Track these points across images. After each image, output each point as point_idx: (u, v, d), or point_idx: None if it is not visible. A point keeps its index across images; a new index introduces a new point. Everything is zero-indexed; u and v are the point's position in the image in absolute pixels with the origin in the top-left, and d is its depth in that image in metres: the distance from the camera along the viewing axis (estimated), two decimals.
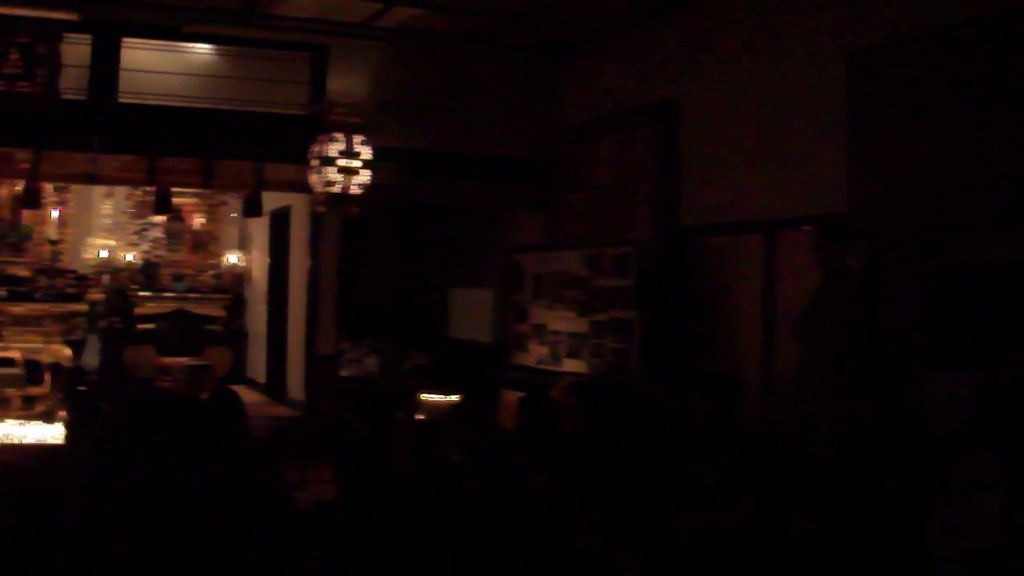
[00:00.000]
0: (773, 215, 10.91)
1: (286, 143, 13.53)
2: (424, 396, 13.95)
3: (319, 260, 14.55)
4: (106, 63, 13.38)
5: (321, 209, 13.72)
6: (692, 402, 9.14)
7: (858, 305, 9.13)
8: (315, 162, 13.06)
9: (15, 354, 15.77)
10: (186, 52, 13.97)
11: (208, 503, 6.10)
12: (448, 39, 14.37)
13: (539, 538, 6.12)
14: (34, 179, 13.74)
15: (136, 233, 19.45)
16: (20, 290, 16.61)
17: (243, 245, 20.36)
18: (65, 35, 13.04)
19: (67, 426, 8.89)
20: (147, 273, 19.47)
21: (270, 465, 7.89)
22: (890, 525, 6.09)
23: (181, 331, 18.84)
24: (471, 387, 10.43)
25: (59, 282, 17.18)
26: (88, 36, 13.29)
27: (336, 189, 13.01)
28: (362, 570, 5.79)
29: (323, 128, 13.16)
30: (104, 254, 18.94)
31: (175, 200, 15.47)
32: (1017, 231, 8.33)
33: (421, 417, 13.07)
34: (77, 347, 17.34)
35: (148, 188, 16.18)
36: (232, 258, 20.05)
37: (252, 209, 14.76)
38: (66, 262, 18.40)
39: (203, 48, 14.06)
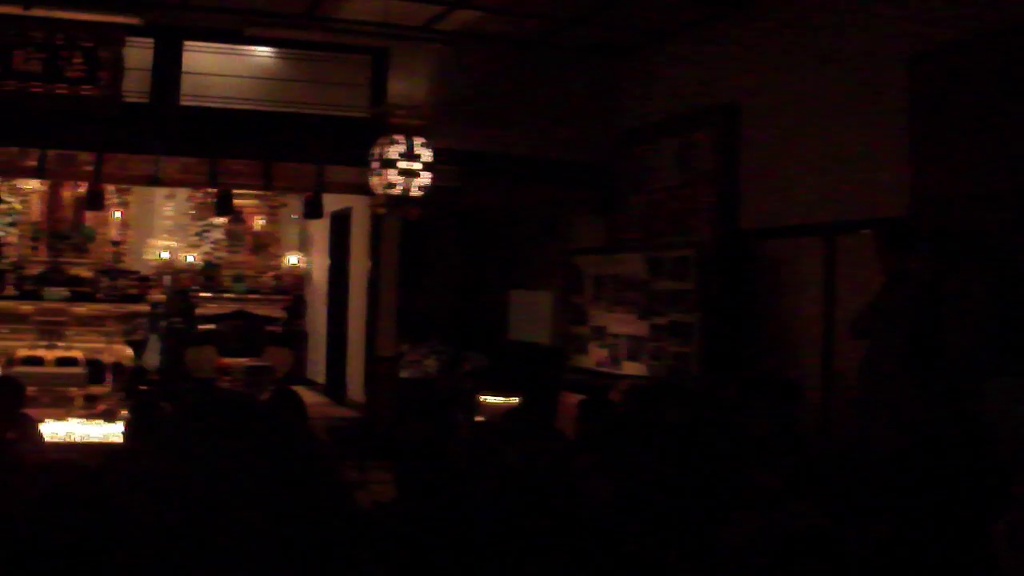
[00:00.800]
0: (833, 218, 10.86)
1: (347, 145, 13.57)
2: (483, 398, 13.97)
3: (379, 262, 14.57)
4: (168, 66, 13.48)
5: (381, 211, 13.75)
6: (751, 405, 9.10)
7: (920, 309, 9.07)
8: (376, 164, 13.09)
9: (78, 354, 15.89)
10: (247, 55, 14.06)
11: (270, 504, 6.12)
12: (507, 42, 14.38)
13: (597, 542, 6.12)
14: (97, 181, 13.84)
15: (197, 234, 19.55)
16: (83, 290, 16.74)
17: (303, 246, 20.42)
18: (128, 39, 13.15)
19: (128, 425, 8.96)
20: (208, 274, 19.58)
21: (331, 465, 7.92)
22: (952, 532, 6.06)
23: (241, 332, 18.90)
24: (531, 389, 10.45)
25: (121, 283, 17.30)
26: (151, 40, 13.39)
27: (396, 191, 13.04)
28: (421, 572, 5.80)
29: (384, 130, 13.19)
30: (165, 255, 19.06)
31: (236, 201, 15.54)
32: None
33: (480, 419, 13.09)
34: (138, 347, 17.45)
35: (209, 190, 16.26)
36: (292, 259, 20.11)
37: (313, 211, 14.81)
38: (128, 263, 18.52)
39: (264, 51, 14.15)
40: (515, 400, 10.77)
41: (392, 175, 12.93)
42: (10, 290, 16.33)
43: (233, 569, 5.36)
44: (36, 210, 18.18)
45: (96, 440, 13.04)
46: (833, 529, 5.70)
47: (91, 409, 14.95)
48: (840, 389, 10.39)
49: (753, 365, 11.67)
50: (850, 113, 10.78)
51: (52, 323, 16.15)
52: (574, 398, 9.89)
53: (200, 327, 18.88)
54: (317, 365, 19.38)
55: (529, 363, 15.40)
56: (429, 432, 8.58)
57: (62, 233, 18.13)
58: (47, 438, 10.04)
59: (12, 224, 17.74)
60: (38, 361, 15.59)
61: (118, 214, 18.33)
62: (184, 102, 13.51)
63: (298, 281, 20.31)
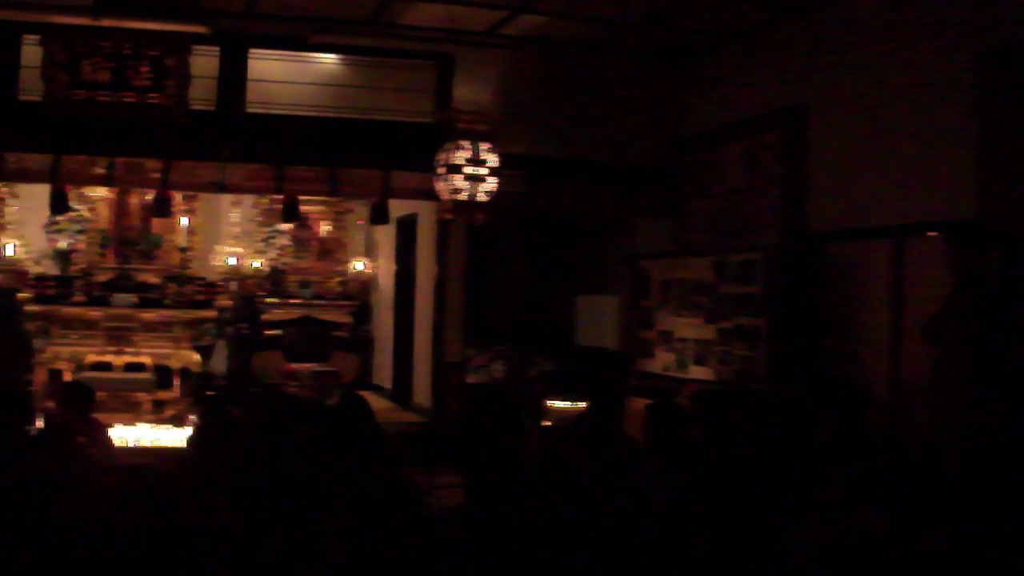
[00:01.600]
0: (901, 220, 10.78)
1: (412, 151, 13.62)
2: (551, 403, 13.95)
3: (446, 267, 14.59)
4: (234, 74, 13.57)
5: (448, 216, 13.79)
6: (819, 410, 9.04)
7: (992, 311, 8.99)
8: (442, 170, 13.14)
9: (146, 359, 15.98)
10: (313, 62, 14.11)
11: (342, 507, 6.14)
12: (572, 46, 14.38)
13: (665, 547, 6.10)
14: (164, 188, 13.94)
15: (263, 240, 19.58)
16: (150, 297, 16.83)
17: (369, 252, 20.44)
18: (194, 47, 13.25)
19: (195, 430, 9.01)
20: (274, 280, 19.62)
21: (399, 469, 7.93)
22: (1021, 539, 6.00)
23: (308, 337, 18.93)
24: (597, 394, 10.41)
25: (188, 289, 17.41)
26: (216, 48, 13.48)
27: (463, 196, 13.07)
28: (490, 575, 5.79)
29: (449, 136, 13.23)
30: (232, 261, 19.10)
31: (302, 208, 15.59)
32: None
33: (548, 424, 13.07)
34: (206, 353, 17.55)
35: (276, 196, 16.33)
36: (358, 265, 20.13)
37: (379, 217, 14.85)
38: (195, 269, 18.61)
39: (329, 58, 14.20)
40: (582, 405, 10.72)
41: (458, 180, 12.97)
42: (79, 297, 16.43)
43: (303, 571, 5.39)
44: (104, 217, 18.30)
45: (164, 445, 13.14)
46: (903, 536, 5.66)
47: (159, 414, 15.06)
48: (909, 394, 10.32)
49: (821, 369, 11.60)
50: (918, 113, 10.70)
51: (120, 329, 16.24)
52: (641, 403, 9.85)
53: (266, 333, 18.94)
54: (383, 370, 19.40)
55: (596, 368, 15.37)
56: (497, 437, 8.56)
57: (130, 240, 18.24)
58: (116, 443, 10.10)
59: (81, 231, 17.85)
60: (107, 367, 15.69)
61: (185, 221, 18.42)
62: (250, 109, 13.61)
63: (364, 287, 20.32)
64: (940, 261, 9.38)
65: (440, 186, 13.27)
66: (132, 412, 14.88)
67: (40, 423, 9.99)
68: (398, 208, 15.97)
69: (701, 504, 6.68)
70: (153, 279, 17.62)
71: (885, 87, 11.20)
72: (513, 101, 14.10)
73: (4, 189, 18.12)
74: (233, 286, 19.04)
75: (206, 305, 17.20)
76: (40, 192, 14.63)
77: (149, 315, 16.38)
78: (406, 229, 17.70)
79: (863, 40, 11.59)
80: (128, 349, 16.09)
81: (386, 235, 19.05)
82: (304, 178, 14.05)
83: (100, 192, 17.94)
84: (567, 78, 14.62)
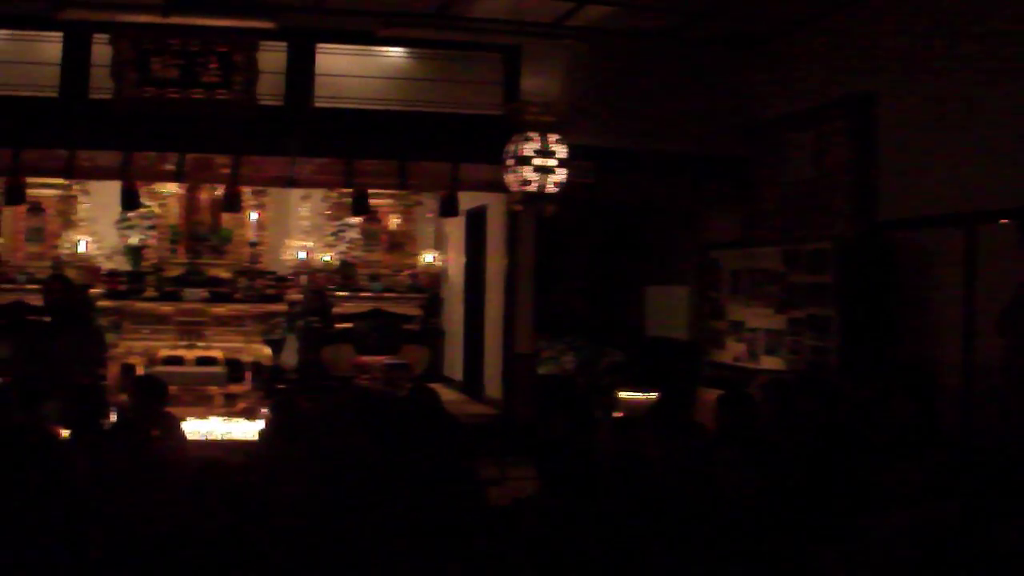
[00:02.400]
0: (974, 208, 10.67)
1: (481, 143, 13.63)
2: (622, 394, 13.94)
3: (516, 259, 14.60)
4: (302, 69, 13.63)
5: (517, 208, 13.80)
6: (892, 400, 8.98)
7: None
8: (511, 161, 13.13)
9: (217, 353, 16.11)
10: (380, 55, 14.15)
11: (413, 497, 6.16)
12: (638, 36, 14.32)
13: (738, 536, 6.08)
14: (234, 183, 14.03)
15: (333, 234, 19.60)
16: (221, 291, 16.94)
17: (439, 244, 20.43)
18: (262, 43, 13.32)
19: (267, 423, 9.06)
20: (344, 273, 19.64)
21: (468, 461, 7.95)
22: None
23: (378, 330, 18.96)
24: (669, 385, 10.39)
25: (258, 283, 17.48)
26: (284, 43, 13.55)
27: (532, 188, 13.07)
28: (563, 567, 5.80)
29: (518, 127, 13.22)
30: (302, 255, 19.14)
31: (371, 201, 15.61)
32: None
33: (619, 415, 13.05)
34: (276, 346, 17.64)
35: (345, 190, 16.37)
36: (428, 257, 20.12)
37: (448, 209, 14.89)
38: (265, 263, 18.67)
39: (397, 51, 14.23)
40: (653, 396, 10.70)
41: (527, 172, 12.97)
42: (151, 292, 16.58)
43: (374, 560, 5.42)
44: (174, 213, 18.40)
45: (236, 438, 13.22)
46: (975, 528, 5.61)
47: (231, 408, 15.16)
48: (982, 384, 10.23)
49: (892, 359, 11.52)
50: (989, 99, 10.59)
51: (192, 323, 16.38)
52: (712, 393, 9.82)
53: (337, 326, 18.99)
54: (454, 362, 19.41)
55: (667, 358, 15.33)
56: (568, 429, 8.56)
57: (200, 235, 18.32)
58: (189, 436, 10.17)
59: (152, 227, 17.96)
60: (179, 361, 15.82)
61: (255, 215, 18.48)
62: (318, 104, 13.67)
63: (434, 279, 20.30)
64: (1014, 249, 9.29)
65: (509, 178, 13.28)
66: (204, 406, 15.01)
67: (113, 417, 10.07)
68: (467, 200, 15.97)
69: (773, 494, 6.66)
70: (224, 274, 17.70)
71: (956, 72, 11.09)
72: (580, 92, 14.10)
73: (76, 186, 18.28)
74: (303, 280, 19.10)
75: (277, 299, 17.30)
76: (111, 189, 14.75)
77: (220, 309, 16.52)
78: (475, 221, 17.69)
79: (933, 25, 11.49)
80: (199, 343, 16.23)
81: (455, 227, 19.04)
82: (373, 171, 14.11)
83: (170, 188, 18.03)
84: (634, 68, 14.57)
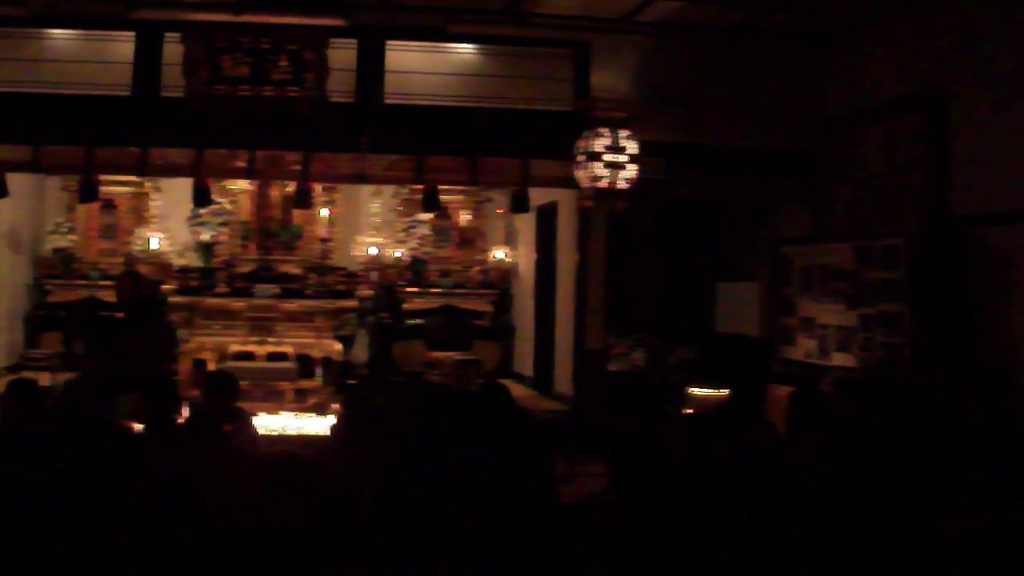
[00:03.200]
0: None
1: (551, 139, 13.63)
2: (692, 391, 13.90)
3: (586, 254, 14.57)
4: (372, 66, 13.69)
5: (588, 204, 13.81)
6: (964, 398, 8.91)
7: None
8: (581, 157, 13.14)
9: (288, 349, 16.20)
10: (450, 52, 14.18)
11: (488, 494, 6.17)
12: (709, 31, 14.27)
13: (810, 533, 6.06)
14: (305, 180, 14.09)
15: (403, 230, 19.68)
16: (292, 287, 17.04)
17: (509, 241, 20.45)
18: (332, 40, 13.38)
19: (339, 419, 9.10)
20: (415, 269, 19.71)
21: (543, 456, 7.95)
22: None
23: (449, 326, 19.01)
24: (739, 382, 10.37)
25: (329, 279, 17.57)
26: (354, 40, 13.61)
27: (603, 184, 13.08)
28: (633, 564, 5.79)
29: (588, 123, 13.23)
30: (373, 251, 19.21)
31: (441, 197, 15.63)
32: None
33: (689, 412, 13.02)
34: (347, 342, 17.72)
35: (415, 186, 16.43)
36: (499, 253, 20.15)
37: (519, 205, 14.89)
38: (336, 259, 18.78)
39: (466, 47, 14.26)
40: (724, 392, 10.69)
41: (598, 168, 12.98)
42: (222, 288, 16.70)
43: (448, 556, 5.43)
44: (246, 210, 18.54)
45: (307, 433, 13.29)
46: None
47: (301, 403, 15.23)
48: None
49: (966, 356, 11.42)
50: None
51: (263, 319, 16.48)
52: (783, 390, 9.78)
53: (407, 322, 19.06)
54: (524, 358, 19.42)
55: (737, 355, 15.27)
56: (639, 425, 8.54)
57: (271, 231, 18.44)
58: (260, 431, 10.24)
59: (223, 224, 18.12)
60: (249, 356, 15.93)
61: (325, 212, 18.58)
62: (389, 100, 13.73)
63: (504, 275, 20.33)
64: None
65: (580, 174, 13.28)
66: (275, 401, 15.09)
67: (186, 412, 10.14)
68: (538, 196, 15.97)
69: (845, 492, 6.63)
70: (295, 270, 17.81)
71: None
72: (651, 87, 14.08)
73: (148, 184, 18.46)
74: (374, 276, 19.16)
75: (347, 295, 17.36)
76: (183, 186, 14.88)
77: (291, 305, 16.61)
78: (546, 217, 17.69)
79: (1003, 15, 11.39)
80: (270, 339, 16.33)
81: (526, 223, 19.05)
82: (444, 167, 14.13)
83: (241, 185, 18.19)
84: (704, 63, 14.52)
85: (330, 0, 13.27)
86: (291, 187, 16.03)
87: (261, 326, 16.43)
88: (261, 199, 18.55)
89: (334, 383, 15.78)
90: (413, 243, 19.65)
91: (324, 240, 18.69)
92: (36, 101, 13.34)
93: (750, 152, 14.44)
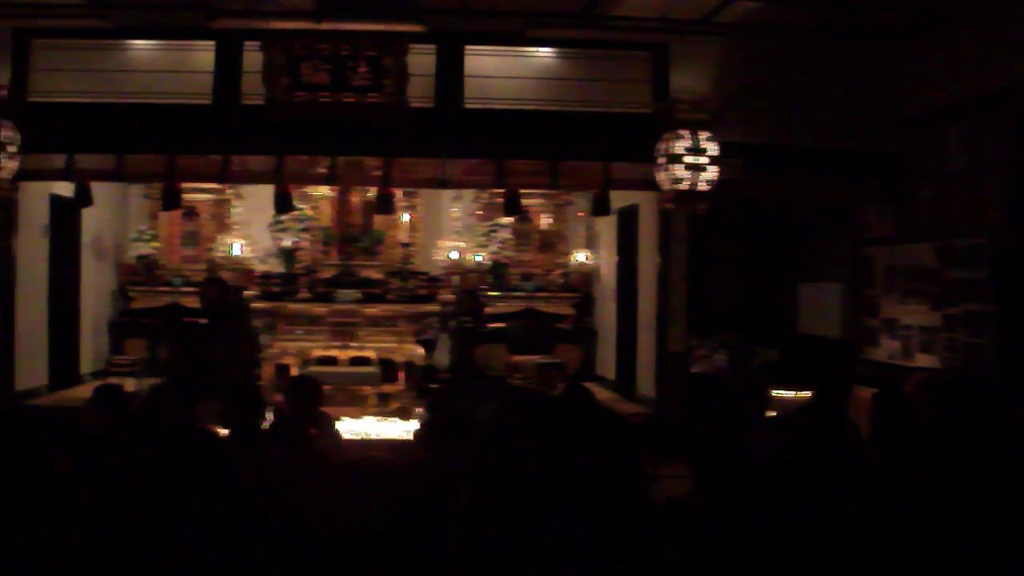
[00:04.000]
0: None
1: (631, 142, 13.63)
2: (775, 393, 13.84)
3: (668, 257, 14.51)
4: (451, 71, 13.74)
5: (669, 206, 13.78)
6: None
7: None
8: (662, 160, 13.14)
9: (370, 353, 16.23)
10: (529, 56, 14.19)
11: (580, 497, 6.17)
12: (787, 31, 14.20)
13: (893, 536, 6.02)
14: (386, 185, 14.14)
15: (485, 234, 19.70)
16: (374, 292, 17.07)
17: (591, 243, 20.43)
18: (411, 46, 13.43)
19: (423, 424, 9.12)
20: (496, 273, 19.73)
21: (633, 457, 7.93)
22: None
23: (531, 330, 19.01)
24: (823, 383, 10.30)
25: (411, 284, 17.60)
26: (433, 46, 13.67)
27: (684, 186, 13.08)
28: (716, 567, 5.77)
29: (668, 125, 13.22)
30: (454, 255, 19.27)
31: (522, 201, 15.64)
32: None
33: (773, 414, 12.97)
34: (429, 346, 17.75)
35: (496, 190, 16.44)
36: (580, 257, 20.14)
37: (600, 208, 14.87)
38: (417, 264, 18.83)
39: (545, 51, 14.27)
40: (807, 394, 10.62)
41: (679, 170, 12.98)
42: (304, 293, 16.77)
43: (541, 559, 5.42)
44: (327, 215, 18.64)
45: (391, 437, 13.34)
46: None
47: (384, 407, 15.28)
48: None
49: None
50: None
51: (345, 324, 16.53)
52: (867, 392, 9.72)
53: (489, 326, 19.08)
54: (606, 362, 19.39)
55: (820, 356, 15.19)
56: (722, 427, 8.51)
57: (353, 237, 18.52)
58: (344, 436, 10.28)
59: (305, 230, 18.23)
60: (332, 361, 15.97)
61: (406, 216, 18.66)
62: (468, 105, 13.77)
63: (586, 278, 20.32)
64: None
65: (661, 176, 13.28)
66: (358, 405, 15.15)
67: (270, 417, 10.21)
68: (618, 199, 15.93)
69: (929, 495, 6.58)
70: (376, 275, 17.87)
71: None
72: (730, 89, 14.04)
73: (229, 191, 18.61)
74: (455, 280, 19.22)
75: (429, 299, 17.38)
76: (264, 192, 14.99)
77: (373, 310, 16.65)
78: (627, 220, 17.66)
79: None
80: (353, 344, 16.37)
81: (607, 226, 19.03)
82: (524, 171, 14.15)
83: (323, 191, 18.29)
84: (783, 63, 14.46)
85: (409, 6, 13.33)
86: (372, 192, 16.14)
87: (343, 331, 16.49)
88: (342, 205, 18.64)
89: (416, 387, 15.83)
90: (494, 247, 19.67)
91: (405, 245, 18.76)
92: (119, 111, 13.53)
93: (831, 152, 14.36)
